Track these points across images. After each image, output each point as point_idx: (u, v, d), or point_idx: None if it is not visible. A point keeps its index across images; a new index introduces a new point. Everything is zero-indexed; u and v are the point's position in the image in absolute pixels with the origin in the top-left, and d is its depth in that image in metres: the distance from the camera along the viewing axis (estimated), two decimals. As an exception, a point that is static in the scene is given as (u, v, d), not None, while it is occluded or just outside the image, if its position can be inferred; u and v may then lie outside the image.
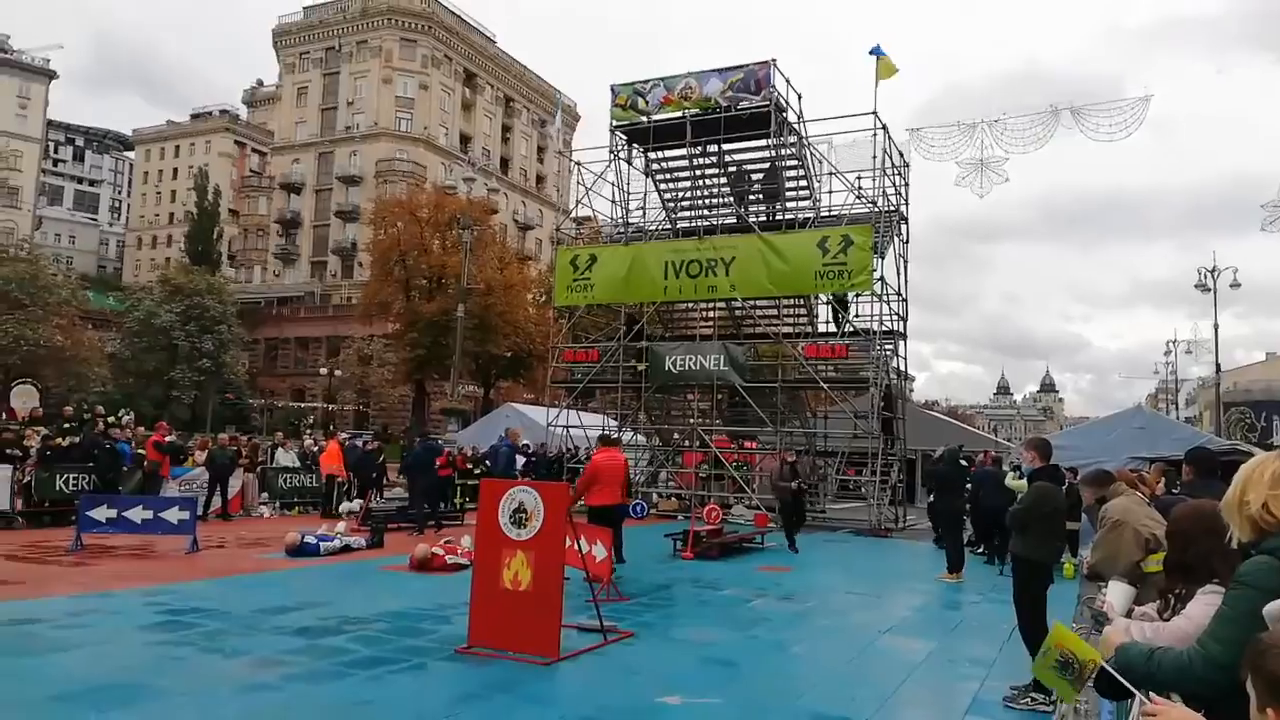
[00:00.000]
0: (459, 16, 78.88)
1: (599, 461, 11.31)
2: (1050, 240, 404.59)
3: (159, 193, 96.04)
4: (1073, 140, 21.72)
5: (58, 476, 15.27)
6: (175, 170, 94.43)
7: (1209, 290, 31.93)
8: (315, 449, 21.19)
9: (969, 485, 14.69)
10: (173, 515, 12.39)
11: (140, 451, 16.97)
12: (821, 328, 23.49)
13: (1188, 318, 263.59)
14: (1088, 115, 21.75)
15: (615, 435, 14.67)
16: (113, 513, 12.10)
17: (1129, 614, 3.45)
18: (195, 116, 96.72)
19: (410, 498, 17.06)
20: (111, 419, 20.06)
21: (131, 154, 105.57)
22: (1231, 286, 31.83)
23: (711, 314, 25.12)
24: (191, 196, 76.75)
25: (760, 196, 23.65)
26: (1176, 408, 55.56)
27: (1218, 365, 34.78)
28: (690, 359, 22.08)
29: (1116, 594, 3.80)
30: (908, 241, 23.29)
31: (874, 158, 20.93)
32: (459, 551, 11.66)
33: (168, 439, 17.40)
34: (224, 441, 18.44)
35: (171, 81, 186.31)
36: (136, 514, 12.20)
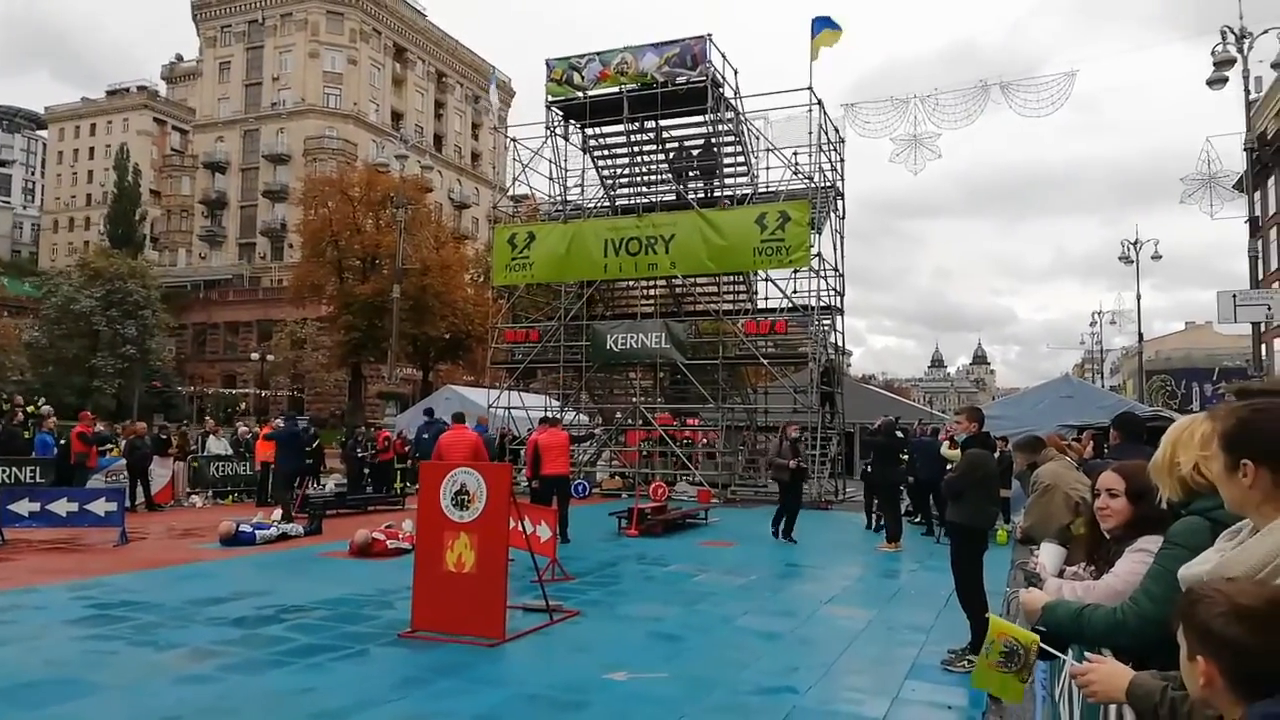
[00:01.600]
0: (388, -11, 76.94)
1: (542, 438, 12.38)
2: (976, 216, 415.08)
3: (75, 173, 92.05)
4: (997, 117, 22.18)
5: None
6: (92, 150, 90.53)
7: (1131, 262, 33.02)
8: (249, 435, 20.70)
9: (905, 456, 15.00)
10: (99, 507, 11.97)
11: (62, 443, 16.36)
12: (761, 304, 23.67)
13: (1109, 289, 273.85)
14: (1016, 91, 22.19)
15: (556, 417, 14.75)
16: (35, 506, 11.65)
17: (1060, 574, 3.55)
18: (112, 93, 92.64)
19: (273, 479, 16.41)
20: (31, 409, 19.27)
21: (44, 133, 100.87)
22: (1153, 258, 32.96)
23: (652, 292, 25.13)
24: (110, 177, 73.67)
25: (699, 173, 23.67)
26: (1102, 377, 57.49)
27: (1140, 335, 36.09)
28: (631, 337, 22.08)
29: (1048, 556, 3.90)
30: (844, 217, 23.57)
31: (810, 134, 21.10)
32: (400, 536, 11.51)
33: (94, 429, 16.79)
34: (141, 430, 17.87)
35: (82, 58, 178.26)
36: (61, 506, 11.77)
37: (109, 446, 17.29)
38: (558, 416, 17.18)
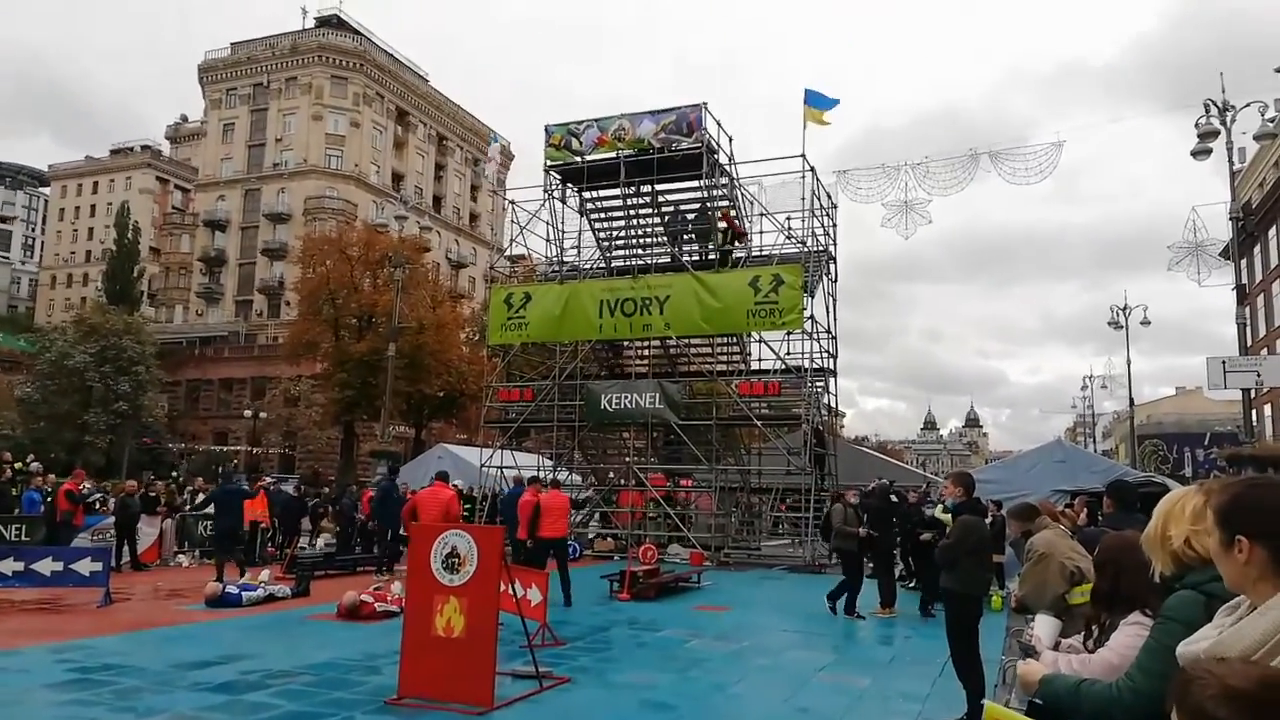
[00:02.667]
0: (391, 55, 78.67)
1: (544, 499, 12.72)
2: (964, 280, 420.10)
3: (76, 230, 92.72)
4: (983, 184, 22.63)
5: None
6: (93, 207, 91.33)
7: (1120, 327, 33.33)
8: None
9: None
10: (84, 567, 11.80)
11: (50, 500, 16.20)
12: (754, 366, 23.76)
13: (1097, 354, 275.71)
14: (1005, 159, 22.64)
15: (541, 476, 14.77)
16: (19, 565, 11.49)
17: (1056, 646, 3.52)
18: (115, 152, 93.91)
19: (215, 539, 16.12)
20: (19, 465, 19.11)
21: (47, 190, 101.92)
22: (1142, 324, 33.27)
23: (646, 352, 25.22)
24: (110, 234, 74.18)
25: (693, 236, 23.96)
26: (1094, 441, 57.53)
27: (1131, 400, 36.22)
28: (625, 397, 22.09)
29: (1043, 627, 3.88)
30: (836, 280, 23.82)
31: (803, 199, 21.45)
32: (389, 599, 11.35)
33: (82, 487, 16.63)
34: (131, 488, 17.67)
35: (87, 119, 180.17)
36: (45, 566, 11.60)
37: (95, 502, 17.13)
38: (555, 478, 17.11)
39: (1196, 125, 18.14)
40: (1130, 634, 2.83)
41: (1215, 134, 17.97)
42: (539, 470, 21.26)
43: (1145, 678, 2.31)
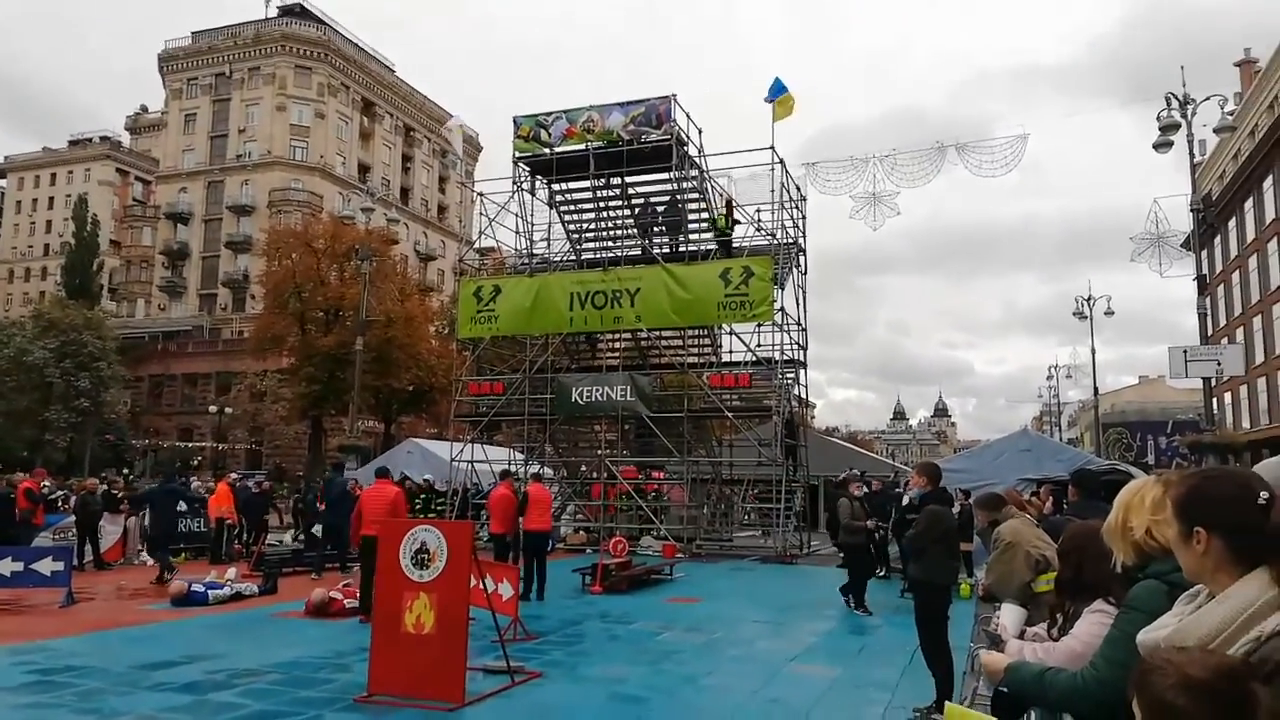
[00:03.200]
0: (356, 45, 77.72)
1: (532, 491, 13.18)
2: (929, 271, 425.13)
3: (33, 223, 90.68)
4: (947, 176, 22.80)
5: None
6: (51, 199, 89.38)
7: (1085, 318, 33.84)
8: (204, 491, 20.19)
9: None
10: (45, 566, 11.58)
11: (11, 497, 15.86)
12: (725, 358, 23.82)
13: (1060, 344, 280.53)
14: (971, 152, 22.86)
15: (513, 470, 14.72)
16: (-23, 566, 11.24)
17: (1021, 634, 3.56)
18: (74, 143, 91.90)
19: (92, 541, 16.09)
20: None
21: (3, 182, 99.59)
22: (1106, 314, 33.81)
23: (617, 345, 25.19)
24: (69, 227, 72.65)
25: (663, 228, 23.94)
26: (1059, 430, 58.41)
27: (1095, 389, 36.82)
28: (597, 390, 22.06)
29: (1009, 616, 3.91)
30: (806, 272, 23.92)
31: (772, 191, 21.50)
32: (358, 596, 11.24)
33: (43, 485, 16.31)
34: (92, 486, 17.36)
35: (42, 110, 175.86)
36: (5, 566, 11.38)
37: (57, 501, 16.82)
38: (539, 472, 17.09)
39: (1158, 118, 18.43)
40: (1094, 622, 2.86)
41: (1176, 127, 18.26)
42: (510, 464, 21.18)
43: (1109, 667, 2.34)
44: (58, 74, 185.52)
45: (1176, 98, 18.23)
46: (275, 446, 56.62)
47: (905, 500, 11.08)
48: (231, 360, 60.46)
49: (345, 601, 11.07)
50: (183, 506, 17.37)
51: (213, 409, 52.58)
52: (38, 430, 47.34)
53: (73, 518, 16.40)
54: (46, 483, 17.32)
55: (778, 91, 21.28)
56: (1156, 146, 18.52)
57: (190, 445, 56.98)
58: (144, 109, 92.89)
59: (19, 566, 11.48)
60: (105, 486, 18.41)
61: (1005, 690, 2.62)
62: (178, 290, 74.88)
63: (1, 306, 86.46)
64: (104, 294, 72.69)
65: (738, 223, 22.53)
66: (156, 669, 7.80)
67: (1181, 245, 24.30)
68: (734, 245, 22.13)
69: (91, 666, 7.86)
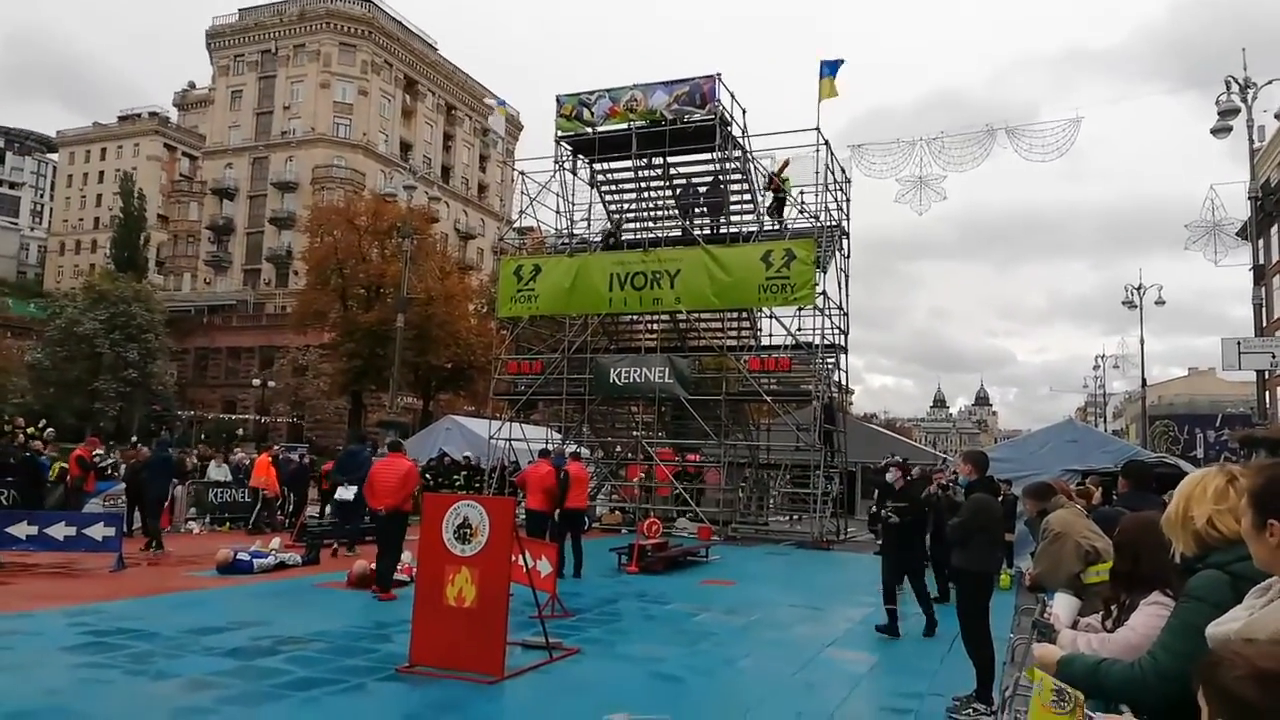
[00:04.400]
0: (400, 22, 78.01)
1: (573, 469, 13.22)
2: (971, 258, 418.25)
3: (84, 196, 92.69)
4: (990, 161, 22.27)
5: (-28, 491, 14.55)
6: (101, 174, 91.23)
7: (1134, 307, 33.11)
8: (246, 463, 20.58)
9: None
10: (97, 532, 11.88)
11: (63, 465, 16.29)
12: (765, 341, 23.69)
13: (1103, 333, 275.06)
14: (1021, 136, 22.39)
15: (550, 449, 14.76)
16: (33, 529, 11.56)
17: (1074, 625, 3.51)
18: (123, 119, 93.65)
19: (141, 508, 15.92)
20: (32, 430, 19.19)
21: (55, 156, 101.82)
22: (1156, 304, 33.05)
23: (656, 326, 25.17)
24: (117, 201, 74.17)
25: (705, 209, 23.80)
26: (1105, 421, 57.38)
27: (1144, 380, 36.07)
28: (635, 371, 22.06)
29: (1062, 606, 3.86)
30: (849, 256, 23.67)
31: (816, 173, 21.24)
32: (399, 568, 11.41)
33: (94, 454, 16.70)
34: (142, 454, 17.71)
35: (92, 87, 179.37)
36: (59, 530, 11.68)
37: (108, 468, 17.21)
38: (577, 450, 17.18)
39: (1217, 102, 17.88)
40: (1151, 614, 2.81)
41: (1235, 112, 17.71)
42: (547, 443, 21.31)
43: (1170, 657, 2.30)
44: (109, 53, 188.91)
45: (1236, 81, 17.67)
46: (316, 420, 57.55)
47: (889, 479, 10.45)
48: (274, 335, 61.49)
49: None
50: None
51: (256, 382, 53.56)
52: (87, 400, 48.53)
53: (123, 485, 16.80)
54: (99, 451, 17.70)
55: (832, 70, 20.98)
56: (1215, 131, 17.97)
57: (234, 417, 58.09)
58: (191, 85, 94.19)
59: (72, 531, 11.78)
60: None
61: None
62: (223, 265, 76.17)
63: (54, 278, 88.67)
64: (151, 267, 74.20)
65: (783, 194, 22.14)
66: (204, 634, 7.99)
67: (1237, 234, 23.65)
68: (780, 224, 21.92)
69: (142, 629, 8.06)
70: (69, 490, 15.77)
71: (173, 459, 16.25)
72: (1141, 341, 34.41)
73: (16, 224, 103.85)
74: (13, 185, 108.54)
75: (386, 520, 10.63)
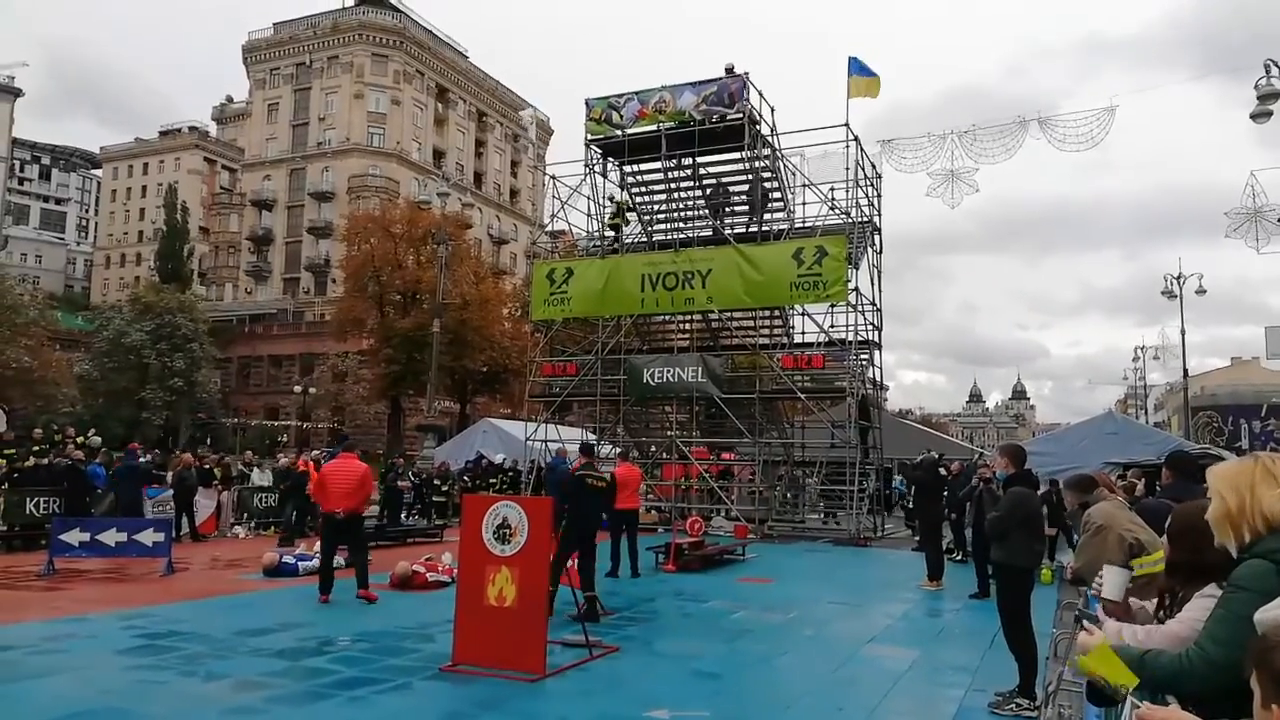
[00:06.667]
0: (431, 32, 78.88)
1: (619, 472, 13.24)
2: (999, 251, 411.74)
3: (128, 211, 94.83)
4: (1012, 154, 21.96)
5: (27, 500, 14.98)
6: (144, 188, 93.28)
7: (1174, 296, 32.47)
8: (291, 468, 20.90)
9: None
10: (147, 537, 12.19)
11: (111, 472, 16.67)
12: (797, 339, 23.60)
13: (1136, 325, 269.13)
14: (1054, 126, 22.08)
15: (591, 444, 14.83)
16: (85, 536, 11.89)
17: (1126, 603, 3.47)
18: (164, 134, 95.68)
19: (189, 515, 16.58)
20: (80, 439, 19.70)
21: (99, 172, 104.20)
22: (1197, 293, 32.40)
23: (688, 326, 25.18)
24: (161, 214, 75.79)
25: (734, 209, 23.77)
26: (1145, 413, 56.32)
27: (1185, 371, 35.34)
28: (668, 371, 22.09)
29: (1112, 577, 3.79)
30: (881, 252, 23.50)
31: (847, 169, 21.13)
32: (440, 569, 11.57)
33: (141, 461, 17.10)
34: (188, 461, 18.10)
35: (130, 102, 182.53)
36: (110, 537, 11.99)
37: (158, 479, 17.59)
38: (629, 451, 17.30)
39: (1256, 87, 17.47)
40: (1202, 606, 2.77)
41: (1275, 96, 17.30)
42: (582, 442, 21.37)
43: (1216, 646, 2.29)
44: (151, 71, 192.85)
45: (1276, 64, 17.26)
46: (356, 425, 58.24)
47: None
48: (314, 342, 62.43)
49: (428, 575, 11.39)
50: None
51: (297, 389, 54.40)
52: (135, 409, 49.61)
53: (170, 492, 17.18)
54: (146, 457, 18.12)
55: (862, 72, 20.90)
56: (1254, 116, 17.56)
57: (276, 424, 59.04)
58: (229, 99, 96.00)
59: (123, 537, 12.09)
60: (199, 463, 19.22)
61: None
62: (263, 274, 77.49)
63: (100, 291, 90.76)
64: (195, 278, 75.65)
65: None
66: (253, 635, 8.17)
67: (1279, 220, 23.10)
68: (806, 224, 21.87)
69: (193, 632, 8.26)
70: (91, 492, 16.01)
71: (141, 467, 16.22)
72: (1182, 332, 33.69)
73: (63, 239, 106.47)
74: (59, 201, 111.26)
75: (347, 523, 10.26)
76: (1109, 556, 4.96)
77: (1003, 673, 6.77)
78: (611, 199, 24.19)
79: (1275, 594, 2.09)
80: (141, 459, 17.27)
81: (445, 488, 21.55)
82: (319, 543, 12.02)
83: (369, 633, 8.45)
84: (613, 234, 24.39)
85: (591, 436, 24.29)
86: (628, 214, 24.41)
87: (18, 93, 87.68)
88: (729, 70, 21.83)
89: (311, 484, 12.96)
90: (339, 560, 12.93)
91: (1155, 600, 3.16)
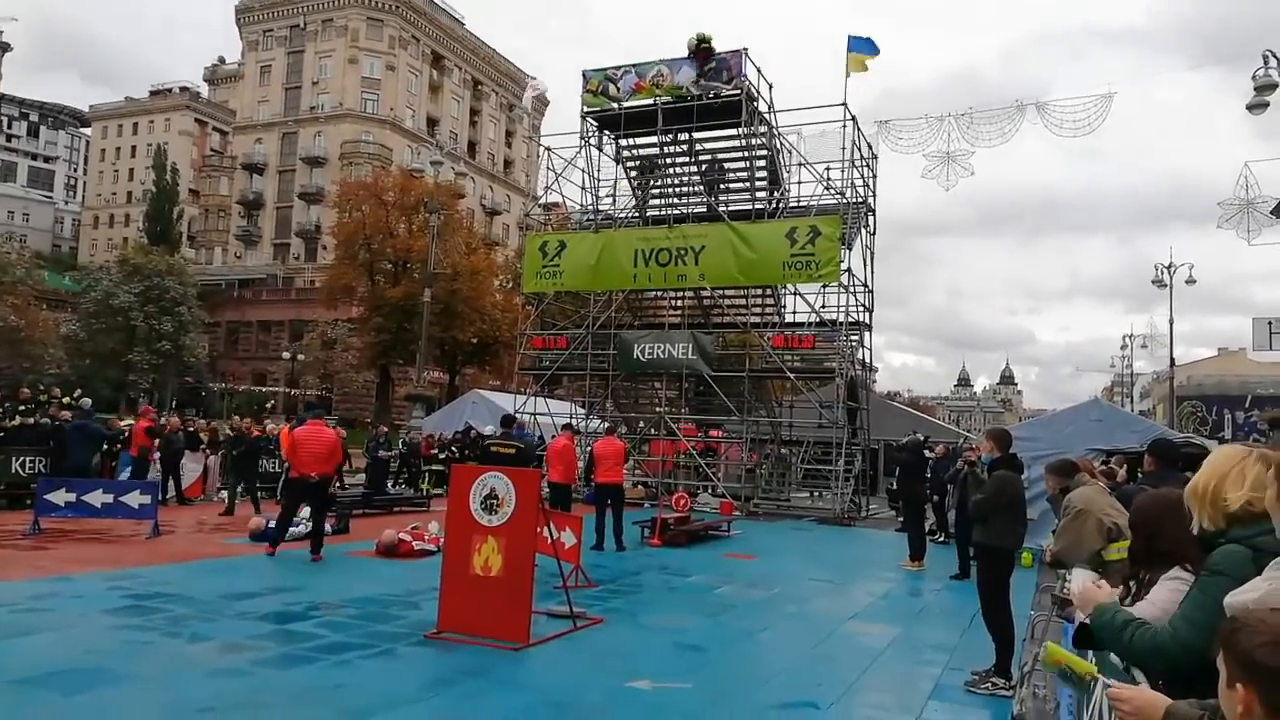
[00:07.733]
0: (427, -3, 77.91)
1: (598, 446, 13.55)
2: (989, 235, 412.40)
3: (117, 171, 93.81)
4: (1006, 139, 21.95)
5: (13, 459, 14.94)
6: (134, 148, 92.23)
7: (1164, 286, 32.63)
8: (277, 434, 20.89)
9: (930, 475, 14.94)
10: (134, 499, 12.18)
11: (109, 433, 16.63)
12: (789, 318, 23.64)
13: (1125, 312, 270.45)
14: (1051, 111, 22.05)
15: (573, 424, 14.92)
16: (71, 496, 11.87)
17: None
18: (155, 93, 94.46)
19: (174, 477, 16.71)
20: (67, 400, 19.59)
21: (88, 131, 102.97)
22: (1187, 283, 32.56)
23: (680, 302, 25.18)
24: (150, 175, 74.98)
25: (730, 186, 23.70)
26: (1131, 401, 56.74)
27: (1171, 360, 35.58)
28: (658, 347, 22.12)
29: (1079, 580, 3.89)
30: (874, 233, 23.49)
31: (843, 149, 21.07)
32: (426, 537, 11.62)
33: (156, 422, 17.12)
34: (175, 425, 18.08)
35: (120, 62, 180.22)
36: (96, 498, 11.97)
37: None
38: (613, 426, 17.30)
39: (1254, 78, 17.50)
40: (1171, 588, 2.84)
41: (1273, 87, 17.32)
42: (571, 418, 21.46)
43: (1189, 628, 2.34)
44: (141, 29, 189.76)
45: (1275, 55, 17.27)
46: (345, 393, 58.21)
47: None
48: (304, 308, 62.11)
49: (414, 543, 11.44)
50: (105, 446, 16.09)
51: (285, 355, 54.21)
52: (122, 371, 49.37)
53: (157, 455, 17.15)
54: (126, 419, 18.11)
55: (864, 49, 20.81)
56: (1251, 108, 17.61)
57: (264, 389, 58.86)
58: (221, 60, 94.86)
59: (109, 499, 12.07)
60: (185, 427, 19.18)
61: (1087, 623, 2.65)
62: (253, 239, 76.88)
63: (88, 251, 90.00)
64: (184, 241, 75.02)
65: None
66: (239, 599, 8.21)
67: (1272, 212, 23.19)
68: (800, 204, 21.83)
69: (179, 594, 8.29)
70: (136, 461, 16.03)
71: (94, 427, 15.48)
72: (1171, 322, 33.96)
73: (51, 197, 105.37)
74: (47, 159, 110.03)
75: (319, 485, 11.06)
76: (1088, 541, 5.03)
77: (980, 652, 6.89)
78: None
79: (1248, 579, 2.13)
80: (97, 416, 17.01)
81: (444, 456, 21.49)
82: (305, 508, 11.88)
83: (355, 599, 8.51)
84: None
85: (581, 410, 24.39)
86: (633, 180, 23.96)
87: (5, 47, 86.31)
88: (703, 42, 21.38)
89: (284, 448, 13.25)
90: (327, 527, 12.98)
91: (1121, 587, 3.23)
